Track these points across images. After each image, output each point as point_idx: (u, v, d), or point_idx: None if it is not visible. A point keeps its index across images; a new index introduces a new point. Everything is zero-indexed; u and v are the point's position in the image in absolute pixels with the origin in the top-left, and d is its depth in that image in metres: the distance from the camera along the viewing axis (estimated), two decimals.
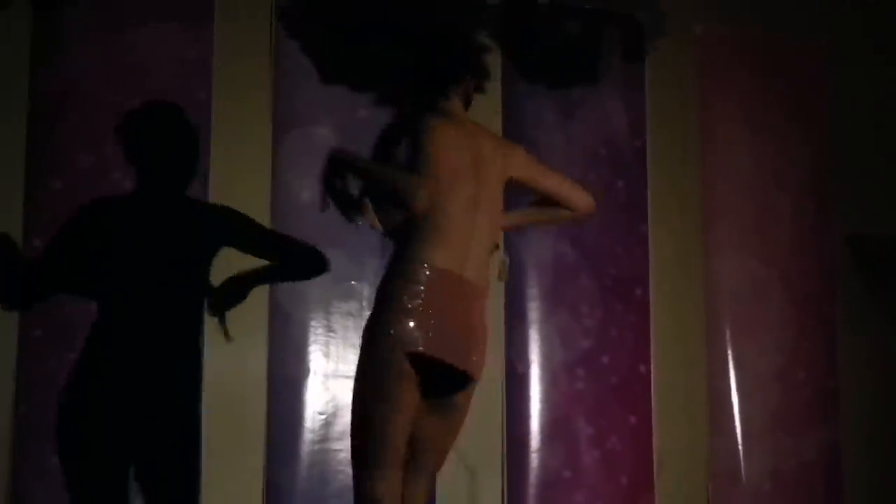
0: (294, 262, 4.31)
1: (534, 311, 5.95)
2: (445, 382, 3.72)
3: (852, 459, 6.21)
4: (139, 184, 4.30)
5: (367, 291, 5.41)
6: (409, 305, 3.55)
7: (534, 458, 5.82)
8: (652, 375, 6.01)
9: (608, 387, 5.92)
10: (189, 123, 4.37)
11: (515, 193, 4.15)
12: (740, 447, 6.11)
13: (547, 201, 3.94)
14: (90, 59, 5.33)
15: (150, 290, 4.12)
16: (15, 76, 5.19)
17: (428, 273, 3.57)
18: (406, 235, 3.69)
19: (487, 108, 5.64)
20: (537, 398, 5.94)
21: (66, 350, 5.04)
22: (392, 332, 3.54)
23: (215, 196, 5.34)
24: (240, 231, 4.29)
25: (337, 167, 3.73)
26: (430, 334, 3.56)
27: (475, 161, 3.76)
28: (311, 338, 5.50)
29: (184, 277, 4.17)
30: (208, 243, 4.23)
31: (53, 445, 4.07)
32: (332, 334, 5.51)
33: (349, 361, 5.26)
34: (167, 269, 4.16)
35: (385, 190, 3.69)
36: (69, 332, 5.00)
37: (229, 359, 5.14)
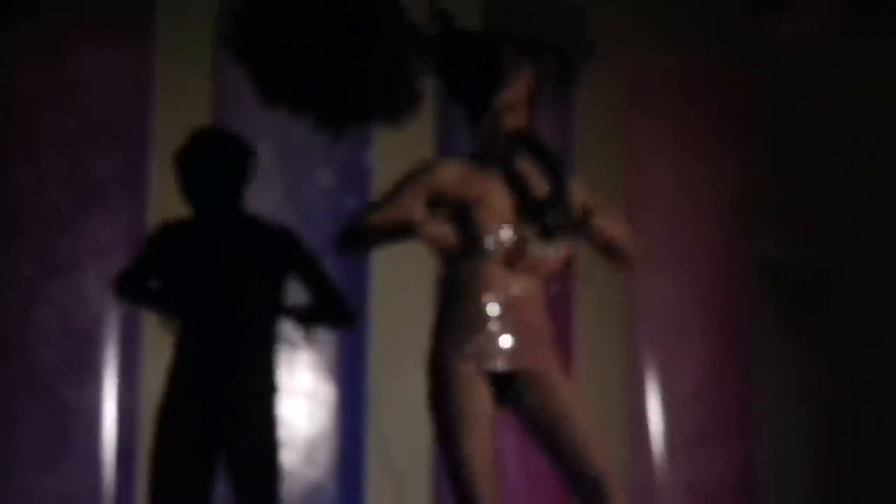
0: (327, 305, 4.45)
1: None
2: None
3: (768, 474, 6.32)
4: (201, 205, 4.44)
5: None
6: None
7: None
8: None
9: None
10: (244, 147, 4.51)
11: None
12: (659, 462, 6.22)
13: None
14: (31, 78, 5.44)
15: (225, 303, 4.31)
16: None
17: None
18: None
19: (422, 130, 5.86)
20: None
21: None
22: None
23: (156, 211, 5.42)
24: (296, 257, 4.44)
25: None
26: None
27: None
28: None
29: (256, 290, 4.36)
30: (273, 259, 4.38)
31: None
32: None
33: (284, 376, 5.12)
34: (240, 280, 4.35)
35: None
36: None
37: None
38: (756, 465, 6.35)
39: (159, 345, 5.05)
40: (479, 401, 3.65)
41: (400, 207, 3.74)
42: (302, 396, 5.90)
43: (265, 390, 4.39)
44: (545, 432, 3.72)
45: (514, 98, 3.79)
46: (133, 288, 4.59)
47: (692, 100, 6.42)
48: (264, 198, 5.30)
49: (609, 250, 3.76)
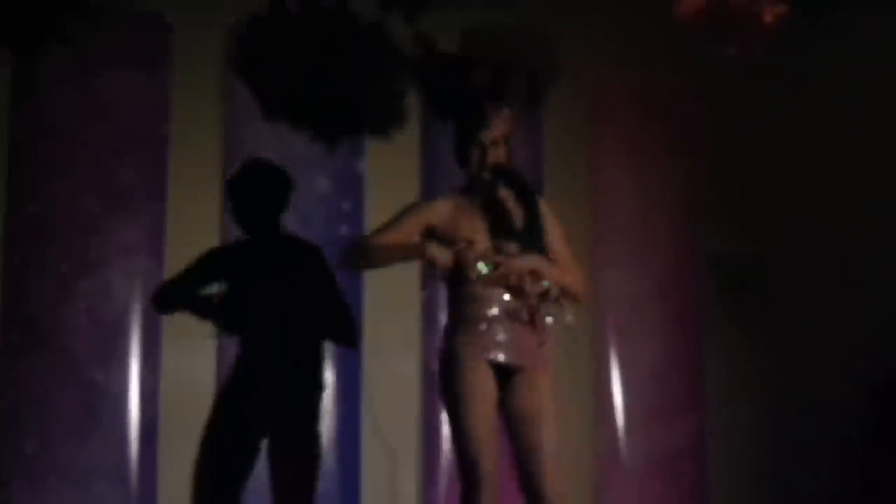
0: (339, 324, 4.74)
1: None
2: None
3: (716, 442, 6.53)
4: (247, 225, 4.72)
5: None
6: None
7: (445, 442, 5.92)
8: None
9: None
10: (286, 178, 4.77)
11: None
12: (621, 433, 6.47)
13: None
14: (63, 99, 5.69)
15: (273, 311, 4.59)
16: None
17: None
18: None
19: (408, 147, 6.17)
20: None
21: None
22: None
23: (173, 215, 5.84)
24: (321, 275, 4.68)
25: None
26: None
27: None
28: None
29: (296, 299, 4.64)
30: (303, 272, 4.65)
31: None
32: None
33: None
34: (283, 290, 4.63)
35: None
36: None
37: (184, 364, 5.78)
38: (705, 434, 6.56)
39: (177, 334, 5.61)
40: (482, 384, 4.02)
41: (400, 232, 4.12)
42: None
43: (312, 388, 4.66)
44: (514, 427, 4.10)
45: (494, 137, 4.18)
46: (170, 298, 4.77)
47: (647, 115, 6.60)
48: None
49: (564, 293, 4.01)
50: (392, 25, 5.94)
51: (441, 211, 4.17)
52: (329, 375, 5.70)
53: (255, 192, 4.75)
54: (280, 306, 4.61)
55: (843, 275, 6.65)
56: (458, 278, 4.02)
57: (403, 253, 4.15)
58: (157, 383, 5.81)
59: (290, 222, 5.25)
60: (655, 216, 6.61)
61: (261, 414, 4.59)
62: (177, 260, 5.46)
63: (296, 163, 5.63)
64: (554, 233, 4.20)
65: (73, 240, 5.74)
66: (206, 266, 4.77)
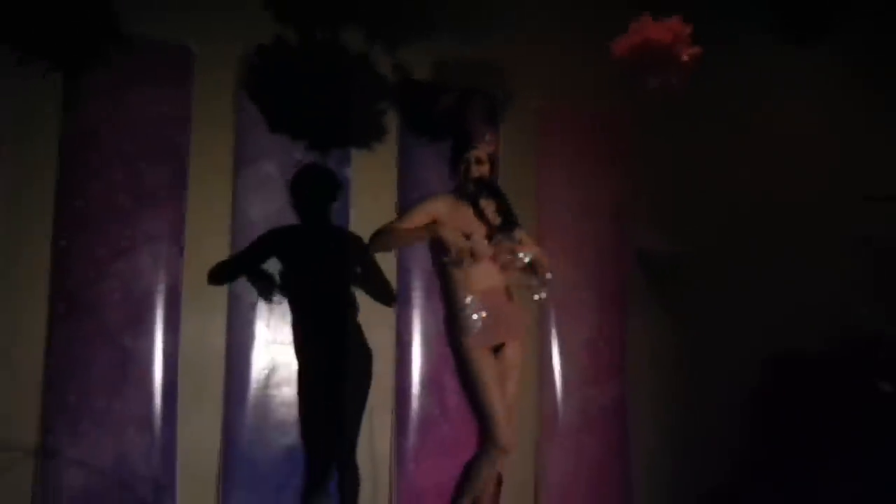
0: (382, 289, 5.36)
1: (416, 298, 6.48)
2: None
3: (635, 405, 6.94)
4: (306, 217, 5.27)
5: None
6: None
7: (414, 401, 6.39)
8: None
9: None
10: (336, 179, 5.37)
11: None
12: (560, 394, 6.76)
13: None
14: (103, 111, 5.84)
15: (328, 289, 5.16)
16: (49, 122, 5.75)
17: None
18: None
19: (387, 156, 6.43)
20: (417, 358, 6.49)
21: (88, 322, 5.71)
22: None
23: (192, 213, 6.01)
24: (362, 258, 5.26)
25: None
26: None
27: None
28: (257, 315, 6.11)
29: (343, 278, 5.27)
30: (347, 255, 5.25)
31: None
32: (272, 312, 6.04)
33: (284, 331, 5.77)
34: (333, 271, 5.21)
35: None
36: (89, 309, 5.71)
37: (199, 332, 6.01)
38: (627, 397, 6.90)
39: (193, 308, 5.87)
40: (484, 361, 4.56)
41: (412, 222, 4.61)
42: (290, 346, 5.77)
43: (365, 350, 5.26)
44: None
45: (479, 155, 4.71)
46: (228, 271, 5.28)
47: (585, 133, 6.86)
48: (273, 200, 6.08)
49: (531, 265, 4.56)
50: (375, 56, 6.37)
51: (442, 206, 4.68)
52: None
53: (309, 189, 5.30)
54: (330, 277, 5.17)
55: (744, 269, 6.80)
56: (456, 260, 4.44)
57: (417, 235, 4.61)
58: (177, 348, 5.91)
59: (289, 217, 5.67)
60: (591, 217, 6.84)
61: (334, 365, 5.15)
62: (194, 247, 6.01)
63: (293, 168, 5.90)
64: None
65: (108, 229, 5.84)
66: (265, 245, 5.24)
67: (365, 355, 5.25)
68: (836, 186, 6.57)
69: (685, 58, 5.18)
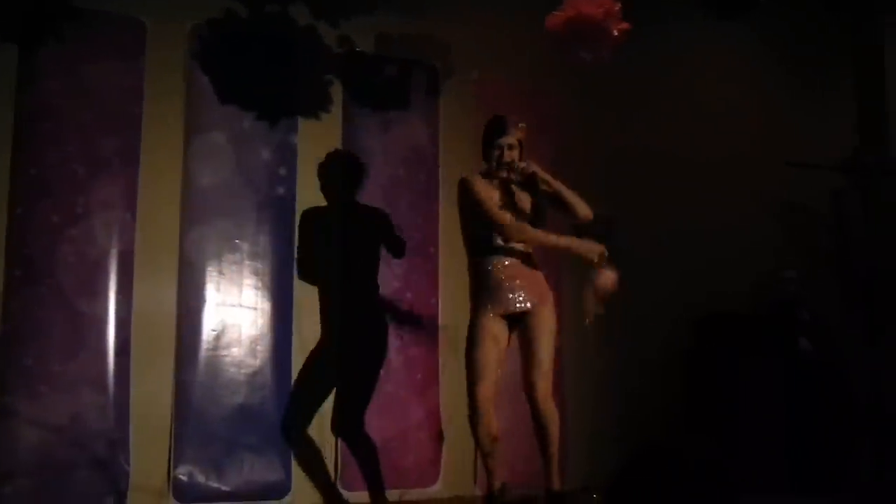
0: (398, 246, 6.04)
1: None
2: None
3: (570, 362, 6.89)
4: (332, 197, 5.93)
5: (247, 247, 6.21)
6: None
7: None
8: (439, 306, 6.69)
9: (411, 311, 6.53)
10: (360, 163, 6.12)
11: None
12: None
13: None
14: (58, 84, 5.85)
15: (356, 261, 5.78)
16: (4, 95, 5.75)
17: None
18: None
19: (332, 125, 6.49)
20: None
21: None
22: None
23: (145, 181, 6.01)
24: (385, 227, 5.98)
25: None
26: None
27: None
28: (207, 279, 6.17)
29: (370, 257, 5.90)
30: (378, 232, 5.94)
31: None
32: (221, 276, 6.15)
33: (232, 294, 6.12)
34: (362, 251, 5.85)
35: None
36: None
37: (151, 295, 6.03)
38: (561, 357, 6.51)
39: (145, 272, 5.91)
40: (491, 347, 4.86)
41: (494, 203, 5.01)
42: (247, 308, 6.22)
43: (382, 325, 5.90)
44: (522, 349, 4.94)
45: (511, 141, 5.04)
46: (308, 263, 5.98)
47: (522, 102, 6.80)
48: (223, 168, 6.18)
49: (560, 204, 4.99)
50: (321, 29, 6.47)
51: (486, 187, 5.10)
52: (268, 304, 6.24)
53: (338, 172, 5.98)
54: (358, 256, 5.88)
55: (674, 234, 7.06)
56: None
57: (563, 244, 5.08)
58: (130, 311, 5.93)
59: (238, 184, 6.08)
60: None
61: (349, 335, 5.78)
62: (146, 213, 6.03)
63: (243, 136, 6.24)
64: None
65: (63, 196, 5.85)
66: (309, 227, 5.97)
67: (381, 329, 5.78)
68: (759, 152, 6.93)
69: (615, 32, 5.27)
